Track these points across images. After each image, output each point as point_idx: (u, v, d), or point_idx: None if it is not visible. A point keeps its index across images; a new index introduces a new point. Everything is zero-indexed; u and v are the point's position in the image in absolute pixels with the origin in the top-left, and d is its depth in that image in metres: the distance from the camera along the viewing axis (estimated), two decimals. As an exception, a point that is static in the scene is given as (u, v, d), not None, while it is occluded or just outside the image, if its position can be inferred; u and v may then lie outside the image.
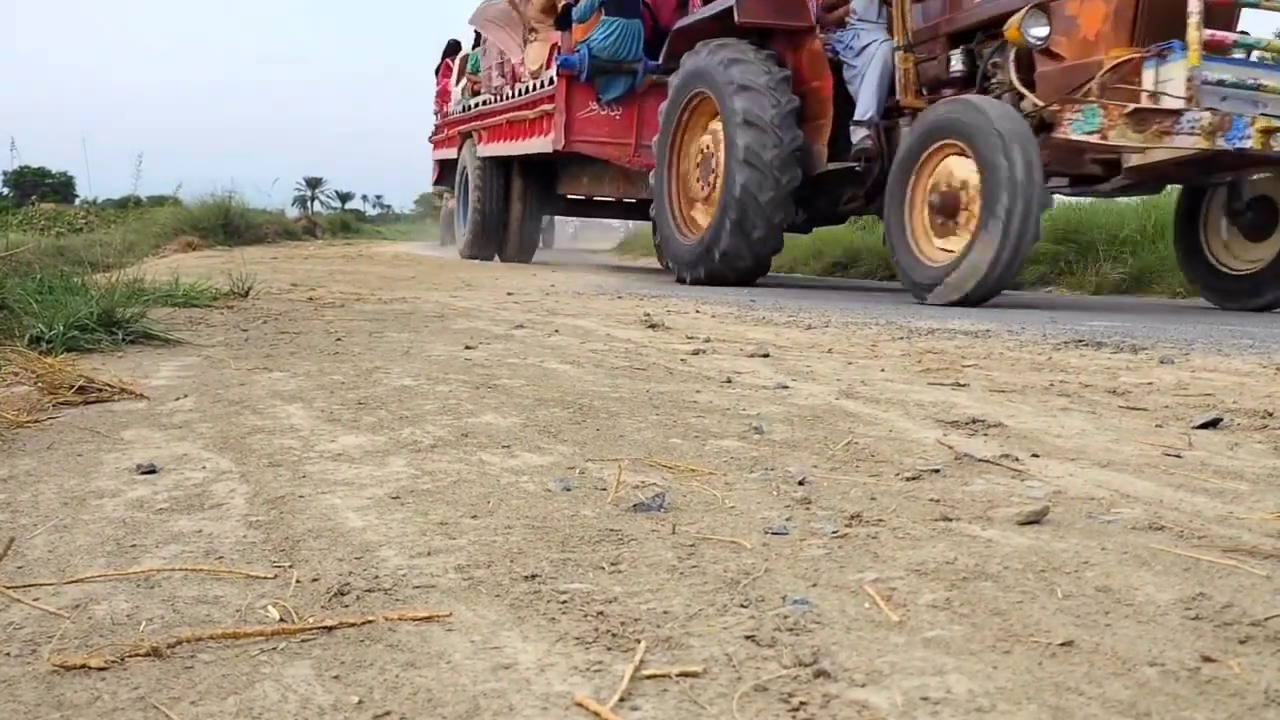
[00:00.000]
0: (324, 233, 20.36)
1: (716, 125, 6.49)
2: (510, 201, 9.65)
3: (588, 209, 10.76)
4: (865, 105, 5.89)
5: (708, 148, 6.65)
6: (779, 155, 6.03)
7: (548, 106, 8.29)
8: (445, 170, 12.27)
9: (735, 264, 6.39)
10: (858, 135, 5.93)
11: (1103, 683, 0.79)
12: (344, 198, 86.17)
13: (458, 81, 11.79)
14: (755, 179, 6.04)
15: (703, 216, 6.76)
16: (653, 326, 3.77)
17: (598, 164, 8.75)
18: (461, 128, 10.85)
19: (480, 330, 3.50)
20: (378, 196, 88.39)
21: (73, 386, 2.03)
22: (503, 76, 9.78)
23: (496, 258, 9.87)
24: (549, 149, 8.27)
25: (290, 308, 4.25)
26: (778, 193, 6.07)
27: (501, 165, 9.63)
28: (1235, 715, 0.74)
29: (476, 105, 10.41)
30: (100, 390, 2.06)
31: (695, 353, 2.96)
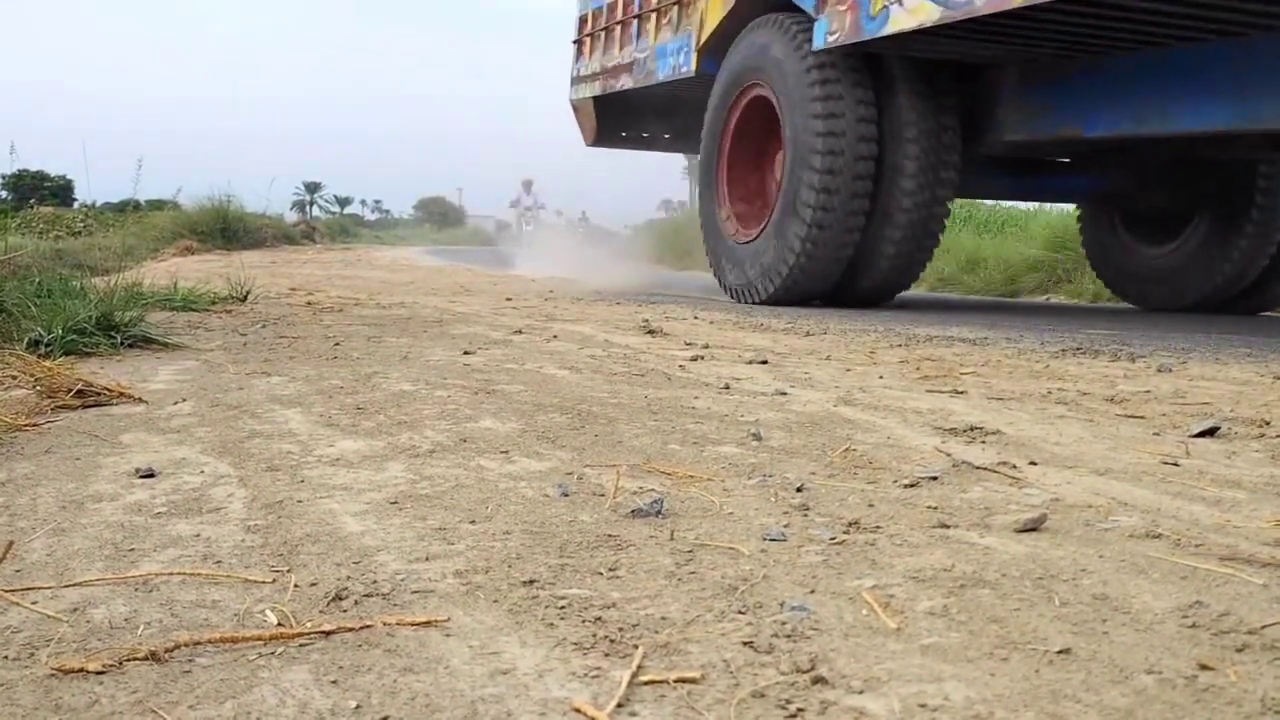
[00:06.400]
0: (322, 237, 20.39)
1: None
2: None
3: None
4: None
5: None
6: None
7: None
8: None
9: None
10: None
11: (1100, 690, 0.79)
12: (342, 202, 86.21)
13: None
14: None
15: None
16: (651, 332, 3.78)
17: None
18: None
19: (479, 335, 3.50)
20: (376, 201, 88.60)
21: (71, 390, 2.03)
22: None
23: None
24: None
25: (288, 312, 4.25)
26: None
27: None
28: (1232, 723, 0.74)
29: None
30: (99, 394, 2.05)
31: (694, 359, 2.97)
